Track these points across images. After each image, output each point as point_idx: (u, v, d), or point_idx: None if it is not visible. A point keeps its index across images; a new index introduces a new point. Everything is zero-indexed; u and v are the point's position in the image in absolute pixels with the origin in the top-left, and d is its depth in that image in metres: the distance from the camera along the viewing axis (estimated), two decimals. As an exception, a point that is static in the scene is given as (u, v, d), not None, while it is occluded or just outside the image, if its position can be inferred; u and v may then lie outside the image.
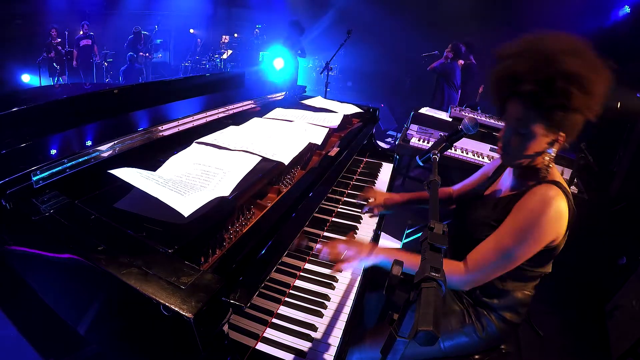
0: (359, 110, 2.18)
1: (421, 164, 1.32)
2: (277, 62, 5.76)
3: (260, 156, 1.22)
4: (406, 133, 3.25)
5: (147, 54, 8.20)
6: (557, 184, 1.08)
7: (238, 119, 1.64)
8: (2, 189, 0.87)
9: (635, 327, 2.06)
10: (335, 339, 1.01)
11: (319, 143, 1.48)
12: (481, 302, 1.23)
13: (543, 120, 1.03)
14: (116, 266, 0.72)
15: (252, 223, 1.04)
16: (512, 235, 1.04)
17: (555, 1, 6.23)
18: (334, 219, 1.54)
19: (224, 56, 8.91)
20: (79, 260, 0.77)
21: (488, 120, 3.21)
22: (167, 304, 0.65)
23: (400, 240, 3.10)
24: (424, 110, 3.54)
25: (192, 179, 1.04)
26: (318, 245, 1.24)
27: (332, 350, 0.97)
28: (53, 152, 1.10)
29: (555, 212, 1.02)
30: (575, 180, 2.54)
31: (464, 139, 1.35)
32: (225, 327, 0.76)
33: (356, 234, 1.49)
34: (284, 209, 1.11)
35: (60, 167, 0.97)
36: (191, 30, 10.12)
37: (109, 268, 0.72)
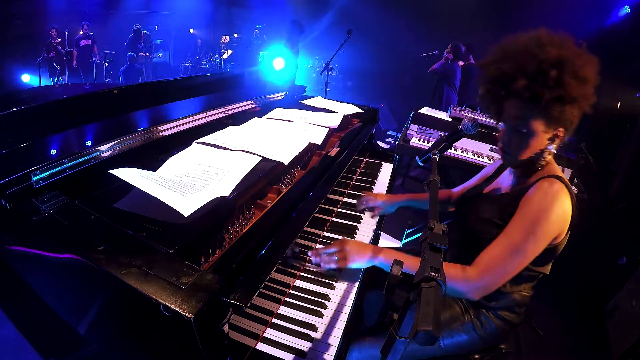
0: (359, 110, 2.18)
1: (421, 164, 1.32)
2: (276, 62, 5.76)
3: (260, 156, 1.22)
4: (406, 133, 3.25)
5: (147, 54, 8.20)
6: (559, 178, 1.08)
7: (238, 119, 1.64)
8: (2, 189, 0.87)
9: (635, 327, 2.06)
10: (335, 339, 1.01)
11: (319, 143, 1.48)
12: (479, 303, 1.23)
13: (542, 115, 1.04)
14: (116, 266, 0.72)
15: (252, 223, 1.04)
16: (521, 231, 1.04)
17: (555, 1, 6.23)
18: (334, 219, 1.54)
19: (224, 56, 8.91)
20: (79, 260, 0.77)
21: (488, 120, 3.21)
22: (167, 304, 0.65)
23: (400, 240, 3.10)
24: (424, 110, 3.54)
25: (192, 179, 1.04)
26: (318, 245, 1.24)
27: (332, 350, 0.97)
28: (53, 152, 1.10)
29: (561, 205, 1.03)
30: (575, 180, 2.54)
31: (464, 139, 1.35)
32: (225, 327, 0.76)
33: (356, 234, 1.49)
34: (284, 209, 1.11)
35: (60, 167, 0.97)
36: (191, 30, 10.12)
37: (109, 268, 0.72)
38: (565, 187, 1.06)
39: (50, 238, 0.85)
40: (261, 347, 0.95)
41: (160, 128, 1.32)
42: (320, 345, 0.99)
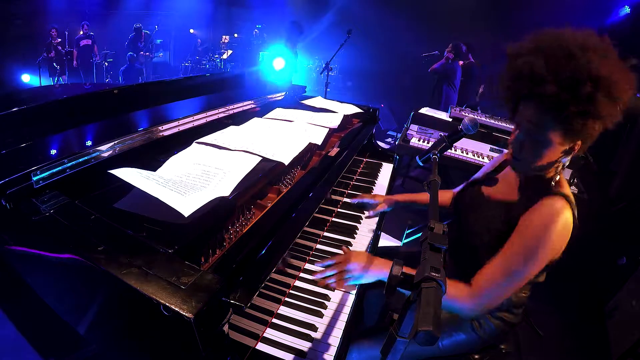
0: (359, 110, 2.18)
1: (421, 164, 1.32)
2: (276, 63, 5.77)
3: (260, 156, 1.22)
4: (406, 133, 3.25)
5: (148, 53, 8.20)
6: (563, 195, 1.01)
7: (238, 119, 1.64)
8: (2, 189, 0.87)
9: (635, 327, 2.06)
10: (335, 339, 1.01)
11: (319, 143, 1.48)
12: None
13: (562, 126, 0.94)
14: (116, 266, 0.72)
15: (252, 223, 1.04)
16: (519, 256, 0.99)
17: (555, 1, 6.23)
18: (334, 219, 1.54)
19: (224, 56, 8.91)
20: (79, 260, 0.77)
21: (488, 120, 3.21)
22: (167, 304, 0.65)
23: (400, 240, 3.10)
24: (424, 110, 3.54)
25: (192, 179, 1.04)
26: (318, 267, 1.20)
27: (332, 350, 0.97)
28: (53, 152, 1.10)
29: (562, 225, 0.97)
30: (575, 180, 2.54)
31: (464, 139, 1.35)
32: (225, 327, 0.76)
33: (356, 234, 1.48)
34: (284, 209, 1.11)
35: (60, 167, 0.97)
36: (191, 30, 10.12)
37: (109, 268, 0.72)
38: (568, 205, 0.99)
39: (50, 238, 0.85)
40: (261, 347, 0.95)
41: (160, 128, 1.32)
42: (320, 345, 0.99)
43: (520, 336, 1.38)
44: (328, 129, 1.62)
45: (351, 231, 1.48)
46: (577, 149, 1.00)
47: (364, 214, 1.60)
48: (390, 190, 1.92)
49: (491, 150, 2.99)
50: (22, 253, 1.00)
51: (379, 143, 2.36)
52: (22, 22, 7.35)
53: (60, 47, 7.19)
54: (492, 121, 3.18)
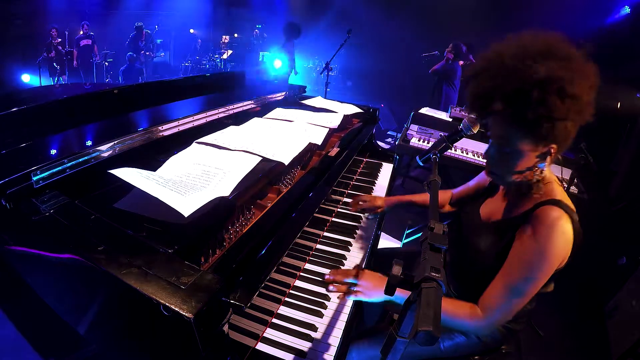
0: (359, 110, 2.18)
1: (421, 164, 1.32)
2: (276, 63, 5.81)
3: (261, 156, 1.22)
4: (406, 133, 3.25)
5: (149, 53, 8.20)
6: (558, 203, 0.98)
7: (238, 119, 1.64)
8: (2, 189, 0.87)
9: (635, 327, 2.06)
10: (335, 339, 1.01)
11: (319, 143, 1.48)
12: None
13: (527, 135, 0.95)
14: (116, 266, 0.72)
15: (252, 223, 1.04)
16: (521, 271, 0.97)
17: (555, 1, 6.23)
18: (334, 219, 1.54)
19: (224, 56, 8.92)
20: (79, 260, 0.77)
21: (488, 120, 3.21)
22: (167, 304, 0.65)
23: (400, 240, 3.10)
24: (424, 110, 3.54)
25: (192, 179, 1.04)
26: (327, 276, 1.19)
27: (332, 350, 0.97)
28: (53, 152, 1.10)
29: (560, 234, 0.94)
30: (575, 180, 2.54)
31: (464, 139, 1.34)
32: (225, 327, 0.76)
33: (356, 234, 1.48)
34: (284, 209, 1.11)
35: (60, 167, 0.97)
36: (191, 30, 10.13)
37: (109, 268, 0.72)
38: (565, 213, 0.96)
39: (50, 238, 0.85)
40: (261, 347, 0.95)
41: (160, 128, 1.32)
42: (320, 345, 0.99)
43: (521, 336, 1.38)
44: (328, 129, 1.62)
45: (351, 231, 1.48)
46: (554, 152, 0.98)
47: (364, 214, 1.60)
48: (390, 190, 1.92)
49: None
50: (22, 253, 1.00)
51: (379, 143, 2.36)
52: (22, 22, 7.34)
53: (60, 47, 7.18)
54: (492, 121, 3.18)
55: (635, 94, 3.65)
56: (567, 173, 2.64)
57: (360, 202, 1.58)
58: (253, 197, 1.13)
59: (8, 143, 1.09)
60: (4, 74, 6.94)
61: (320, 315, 1.07)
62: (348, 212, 1.59)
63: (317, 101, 2.28)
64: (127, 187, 0.92)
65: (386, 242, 3.00)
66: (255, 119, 1.66)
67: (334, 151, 1.57)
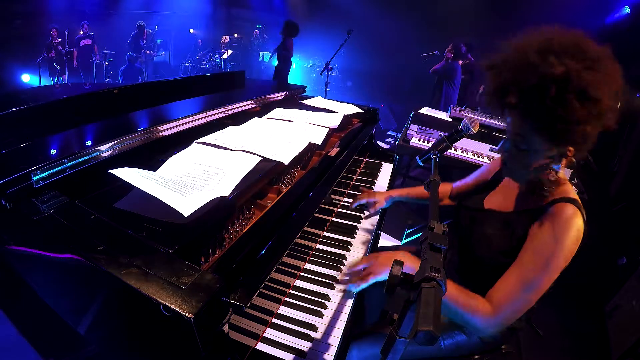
0: (359, 110, 2.18)
1: (421, 164, 1.32)
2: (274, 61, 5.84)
3: (260, 156, 1.22)
4: (406, 133, 3.25)
5: (150, 51, 8.21)
6: (572, 201, 0.98)
7: (238, 119, 1.64)
8: (2, 189, 0.87)
9: (635, 327, 2.06)
10: (335, 339, 1.01)
11: (319, 143, 1.48)
12: None
13: (542, 134, 0.92)
14: (116, 266, 0.72)
15: (252, 223, 1.04)
16: (534, 267, 0.95)
17: (555, 1, 6.23)
18: (334, 219, 1.54)
19: (224, 56, 8.93)
20: (79, 260, 0.77)
21: (488, 120, 3.21)
22: (167, 304, 0.65)
23: (400, 240, 3.10)
24: (424, 110, 3.54)
25: (192, 179, 1.04)
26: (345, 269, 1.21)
27: (332, 350, 0.97)
28: (53, 152, 1.10)
29: (575, 231, 0.94)
30: (575, 180, 2.54)
31: (464, 139, 1.35)
32: (225, 327, 0.75)
33: (356, 234, 1.48)
34: (284, 209, 1.11)
35: (60, 167, 0.97)
36: (191, 30, 10.13)
37: (109, 268, 0.72)
38: (578, 210, 0.96)
39: (50, 238, 0.85)
40: (261, 347, 0.95)
41: (160, 128, 1.32)
42: (320, 345, 0.99)
43: (521, 336, 1.38)
44: (328, 129, 1.62)
45: (351, 231, 1.48)
46: (571, 155, 0.96)
47: (363, 213, 1.60)
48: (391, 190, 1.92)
49: (491, 150, 2.99)
50: (22, 253, 1.00)
51: (379, 143, 2.36)
52: (22, 22, 7.34)
53: (60, 47, 7.19)
54: (492, 121, 3.18)
55: (635, 94, 3.65)
56: (567, 173, 2.63)
57: (359, 198, 1.57)
58: (253, 197, 1.13)
59: (8, 143, 1.09)
60: (4, 74, 6.94)
61: (320, 315, 1.07)
62: (348, 212, 1.59)
63: (317, 101, 2.28)
64: (127, 187, 0.92)
65: (386, 242, 3.00)
66: (255, 119, 1.66)
67: (334, 151, 1.57)
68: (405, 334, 0.60)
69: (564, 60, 0.85)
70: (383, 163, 2.17)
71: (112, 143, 1.13)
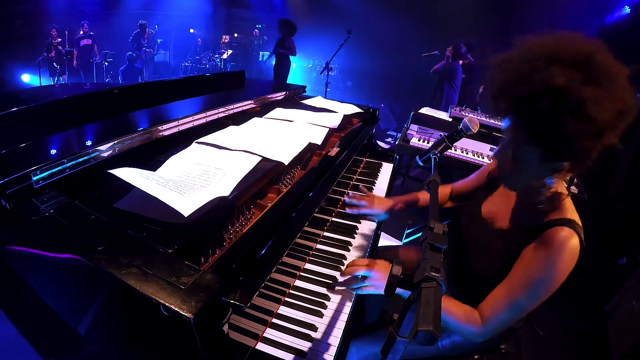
0: (359, 110, 2.18)
1: (421, 164, 1.32)
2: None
3: (260, 156, 1.22)
4: (406, 133, 3.25)
5: (150, 50, 8.23)
6: (569, 223, 0.93)
7: (238, 118, 1.64)
8: (2, 189, 0.87)
9: (635, 327, 2.06)
10: (335, 339, 1.01)
11: (319, 143, 1.48)
12: None
13: (536, 145, 0.88)
14: (116, 266, 0.72)
15: (252, 223, 1.04)
16: (525, 288, 0.95)
17: (555, 1, 6.24)
18: (334, 219, 1.54)
19: (224, 56, 8.93)
20: (79, 260, 0.77)
21: (488, 120, 3.21)
22: (167, 304, 0.65)
23: (400, 240, 3.11)
24: (424, 110, 3.54)
25: (192, 179, 1.04)
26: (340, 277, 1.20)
27: (332, 350, 0.97)
28: (53, 152, 1.10)
29: (568, 256, 0.91)
30: (575, 180, 2.54)
31: (464, 139, 1.34)
32: (225, 327, 0.75)
33: (356, 234, 1.48)
34: (284, 209, 1.11)
35: (60, 167, 0.97)
36: (191, 30, 10.13)
37: (109, 268, 0.72)
38: (574, 232, 0.92)
39: (50, 238, 0.85)
40: (261, 347, 0.95)
41: (160, 128, 1.32)
42: (320, 345, 0.99)
43: (521, 336, 1.38)
44: (328, 129, 1.62)
45: (351, 231, 1.48)
46: (566, 170, 0.91)
47: (360, 222, 1.58)
48: (390, 190, 1.92)
49: (491, 150, 2.99)
50: (22, 253, 1.00)
51: (379, 143, 2.36)
52: (22, 22, 7.35)
53: (60, 47, 7.19)
54: (492, 121, 3.18)
55: (636, 94, 3.65)
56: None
57: (357, 200, 1.48)
58: (253, 197, 1.13)
59: (8, 143, 1.09)
60: (4, 74, 6.95)
61: (320, 315, 1.07)
62: (348, 211, 1.59)
63: (317, 101, 2.28)
64: (127, 187, 0.92)
65: (386, 241, 3.00)
66: (255, 118, 1.66)
67: (334, 151, 1.57)
68: (405, 334, 0.60)
69: (566, 71, 0.79)
70: (383, 163, 2.17)
71: (112, 143, 1.13)
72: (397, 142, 3.44)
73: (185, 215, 0.83)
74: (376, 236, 1.53)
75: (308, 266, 1.26)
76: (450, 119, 3.37)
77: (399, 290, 0.95)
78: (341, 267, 1.29)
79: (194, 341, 0.67)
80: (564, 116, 0.79)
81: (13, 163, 0.96)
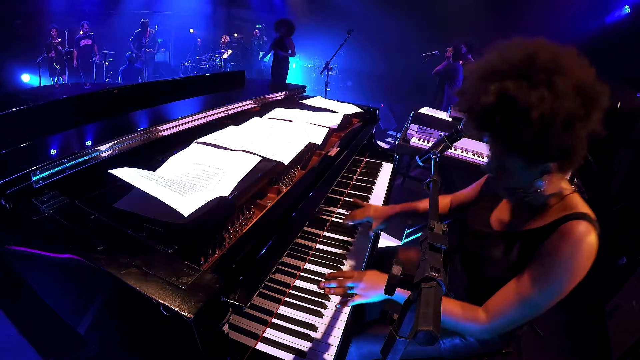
0: (359, 110, 2.18)
1: (421, 164, 1.32)
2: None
3: (260, 156, 1.22)
4: (406, 133, 3.25)
5: (150, 49, 8.23)
6: (584, 216, 0.91)
7: (238, 118, 1.64)
8: (2, 189, 0.87)
9: (635, 327, 2.06)
10: (335, 339, 1.01)
11: (319, 143, 1.48)
12: None
13: (514, 154, 0.89)
14: (116, 266, 0.72)
15: (252, 223, 1.04)
16: (538, 285, 0.91)
17: (555, 1, 6.23)
18: (334, 219, 1.54)
19: (224, 56, 8.93)
20: (79, 260, 0.77)
21: (488, 120, 3.21)
22: (166, 304, 0.65)
23: (400, 240, 3.10)
24: (424, 110, 3.54)
25: (192, 179, 1.04)
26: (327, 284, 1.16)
27: (332, 350, 0.97)
28: (53, 152, 1.10)
29: (588, 251, 0.88)
30: (575, 180, 2.54)
31: (464, 139, 1.34)
32: (225, 327, 0.76)
33: (356, 234, 1.48)
34: (283, 209, 1.11)
35: (60, 167, 0.97)
36: (191, 30, 10.13)
37: (109, 268, 0.72)
38: (591, 226, 0.89)
39: (50, 238, 0.85)
40: (261, 347, 0.95)
41: (160, 128, 1.32)
42: (320, 345, 0.99)
43: (521, 336, 1.37)
44: (328, 129, 1.62)
45: (351, 231, 1.48)
46: (554, 170, 0.91)
47: (357, 229, 1.57)
48: (390, 190, 1.92)
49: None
50: (22, 253, 1.00)
51: (379, 143, 2.36)
52: (22, 22, 7.34)
53: (60, 47, 7.19)
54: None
55: (635, 94, 3.65)
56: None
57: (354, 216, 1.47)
58: (253, 197, 1.13)
59: (8, 143, 1.09)
60: (4, 74, 6.94)
61: (320, 315, 1.07)
62: (348, 212, 1.59)
63: (317, 101, 2.28)
64: (127, 187, 0.92)
65: (386, 241, 3.00)
66: (255, 118, 1.66)
67: (333, 151, 1.57)
68: (405, 334, 0.60)
69: (502, 83, 0.82)
70: (383, 163, 2.17)
71: (112, 143, 1.13)
72: (397, 142, 3.44)
73: (185, 215, 0.83)
74: (376, 236, 1.53)
75: (308, 266, 1.26)
76: (450, 119, 3.37)
77: (398, 293, 0.95)
78: (341, 267, 1.29)
79: (194, 341, 0.67)
80: (517, 125, 0.81)
81: (13, 163, 0.96)
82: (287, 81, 6.10)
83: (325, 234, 1.44)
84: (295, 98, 2.39)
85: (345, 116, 1.89)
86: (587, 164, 2.40)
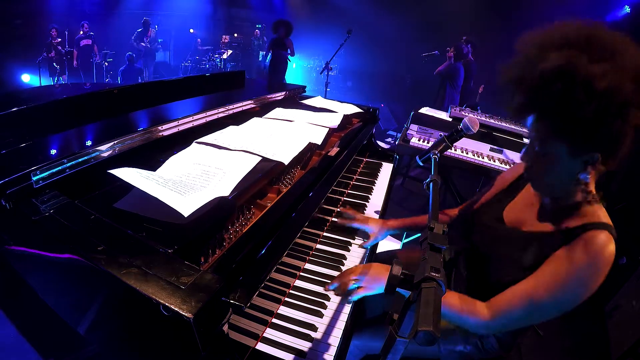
0: (359, 110, 2.18)
1: (421, 164, 1.32)
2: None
3: (260, 156, 1.22)
4: (406, 133, 3.25)
5: (155, 43, 8.25)
6: (606, 227, 0.87)
7: (238, 118, 1.64)
8: (2, 189, 0.87)
9: (635, 327, 2.06)
10: (335, 339, 1.01)
11: (319, 143, 1.48)
12: None
13: (560, 136, 0.83)
14: (116, 266, 0.72)
15: (252, 223, 1.04)
16: (550, 290, 0.88)
17: (555, 1, 6.24)
18: (334, 219, 1.53)
19: (224, 56, 8.93)
20: (79, 260, 0.77)
21: (488, 120, 3.21)
22: (166, 304, 0.65)
23: (400, 240, 3.10)
24: (424, 110, 3.54)
25: (192, 179, 1.04)
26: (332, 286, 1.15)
27: (332, 350, 0.97)
28: (53, 152, 1.10)
29: (606, 261, 0.84)
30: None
31: (464, 139, 1.34)
32: (225, 327, 0.76)
33: (356, 234, 1.48)
34: (283, 209, 1.11)
35: (60, 167, 0.97)
36: (191, 30, 10.13)
37: (109, 268, 0.72)
38: (612, 238, 0.86)
39: (50, 238, 0.85)
40: (261, 347, 0.95)
41: (160, 128, 1.32)
42: (320, 345, 0.99)
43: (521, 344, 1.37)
44: (328, 129, 1.62)
45: (351, 231, 1.48)
46: (599, 162, 0.85)
47: (363, 212, 1.59)
48: (390, 190, 1.92)
49: (491, 150, 2.99)
50: (22, 253, 1.00)
51: (379, 143, 2.36)
52: (22, 22, 7.35)
53: (60, 47, 7.19)
54: (492, 121, 3.18)
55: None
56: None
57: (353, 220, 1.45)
58: (253, 197, 1.13)
59: (8, 143, 1.09)
60: (4, 74, 6.95)
61: (320, 315, 1.07)
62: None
63: (317, 101, 2.28)
64: (127, 187, 0.92)
65: (386, 241, 3.00)
66: (255, 118, 1.66)
67: (333, 151, 1.57)
68: (405, 334, 0.60)
69: (565, 52, 0.78)
70: (383, 163, 2.17)
71: (112, 143, 1.13)
72: (397, 142, 3.44)
73: (185, 215, 0.83)
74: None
75: (308, 266, 1.26)
76: (450, 119, 3.37)
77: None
78: (341, 267, 1.29)
79: (194, 341, 0.67)
80: (578, 97, 0.76)
81: (13, 163, 0.96)
82: (287, 81, 6.11)
83: (325, 234, 1.44)
84: (295, 98, 2.39)
85: (345, 116, 1.89)
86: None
